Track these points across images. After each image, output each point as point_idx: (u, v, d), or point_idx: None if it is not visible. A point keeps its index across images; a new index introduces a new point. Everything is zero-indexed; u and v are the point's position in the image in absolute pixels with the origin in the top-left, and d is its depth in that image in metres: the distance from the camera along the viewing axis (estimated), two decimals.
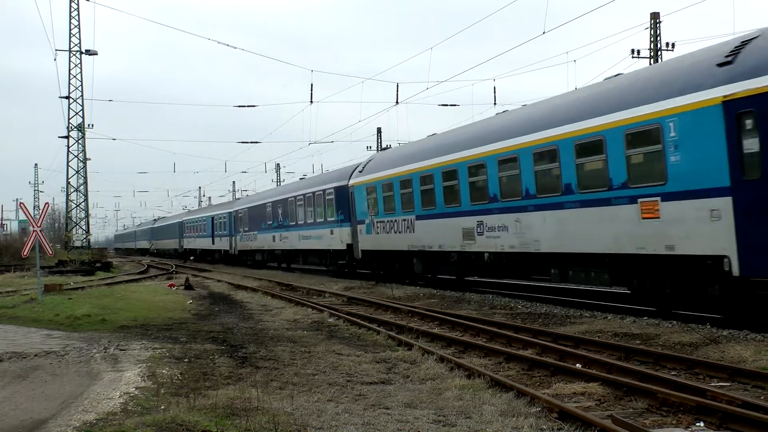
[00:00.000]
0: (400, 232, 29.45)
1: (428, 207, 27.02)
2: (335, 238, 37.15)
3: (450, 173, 25.24)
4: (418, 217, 27.87)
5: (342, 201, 36.29)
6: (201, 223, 75.31)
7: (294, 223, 44.44)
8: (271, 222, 49.45)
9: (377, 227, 31.67)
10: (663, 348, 13.46)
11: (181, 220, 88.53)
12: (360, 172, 34.13)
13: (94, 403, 10.00)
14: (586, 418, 8.50)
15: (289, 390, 10.78)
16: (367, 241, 32.99)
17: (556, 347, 13.61)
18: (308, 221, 41.78)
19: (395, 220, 29.87)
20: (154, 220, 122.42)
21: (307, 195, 42.08)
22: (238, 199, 70.63)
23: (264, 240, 51.64)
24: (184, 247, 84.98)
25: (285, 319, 20.73)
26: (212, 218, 69.60)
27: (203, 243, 73.95)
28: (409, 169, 28.56)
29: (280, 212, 47.39)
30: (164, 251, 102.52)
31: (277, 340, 16.29)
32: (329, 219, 38.14)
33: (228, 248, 63.39)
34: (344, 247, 35.97)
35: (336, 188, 37.31)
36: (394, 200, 29.89)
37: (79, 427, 8.68)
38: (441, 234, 26.17)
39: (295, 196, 44.71)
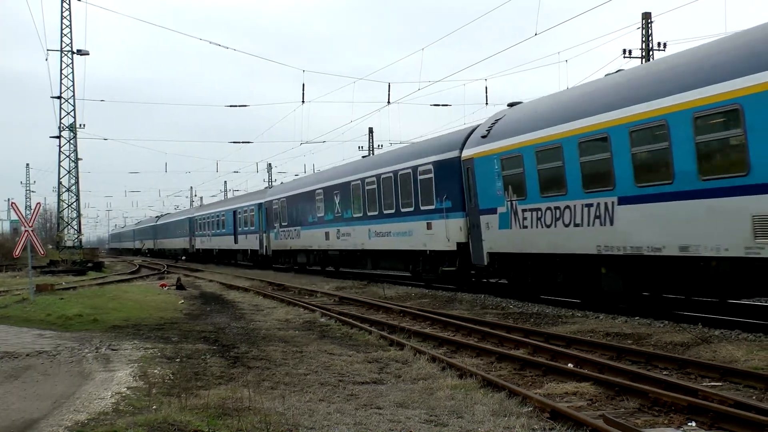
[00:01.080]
0: (577, 225, 18.76)
1: (649, 181, 16.49)
2: (436, 235, 26.65)
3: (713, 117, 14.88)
4: (625, 200, 17.17)
5: (448, 181, 25.98)
6: (218, 218, 63.56)
7: (361, 214, 33.43)
8: (323, 214, 38.23)
9: (523, 218, 21.04)
10: (655, 348, 13.48)
11: (191, 216, 77.01)
12: (483, 137, 23.43)
13: (85, 403, 9.98)
14: (578, 417, 8.50)
15: (281, 390, 10.77)
16: (502, 239, 22.24)
17: (548, 347, 13.63)
18: (387, 211, 30.99)
19: (568, 206, 19.06)
20: (157, 216, 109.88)
21: (385, 176, 31.12)
22: (271, 186, 57.79)
23: (311, 237, 40.31)
24: (197, 246, 73.16)
25: (277, 318, 20.72)
26: (234, 212, 57.71)
27: (223, 242, 62.00)
28: (602, 122, 17.76)
29: (337, 201, 36.17)
30: (171, 252, 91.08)
31: (268, 339, 16.27)
32: (424, 207, 27.61)
33: (257, 248, 51.35)
34: (453, 248, 25.64)
35: (437, 163, 26.80)
36: (564, 174, 19.16)
37: (71, 427, 8.66)
38: (679, 226, 15.75)
39: (363, 179, 33.35)
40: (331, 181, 37.82)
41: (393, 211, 30.19)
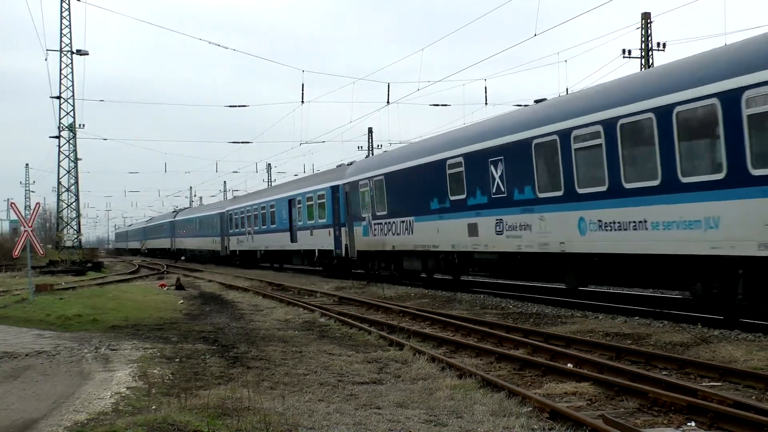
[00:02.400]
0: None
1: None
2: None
3: None
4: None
5: None
6: (265, 210, 48.98)
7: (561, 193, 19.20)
8: (464, 195, 23.90)
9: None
10: (654, 348, 13.48)
11: (222, 211, 62.22)
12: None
13: (85, 403, 9.98)
14: (578, 417, 8.50)
15: (281, 390, 10.77)
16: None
17: (547, 347, 13.63)
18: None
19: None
20: (174, 212, 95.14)
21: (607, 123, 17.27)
22: (349, 163, 37.71)
23: (437, 232, 25.85)
24: (232, 248, 58.89)
25: (276, 319, 20.72)
26: (290, 201, 43.58)
27: (272, 241, 47.52)
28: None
29: (499, 172, 21.91)
30: (195, 254, 75.02)
31: (268, 340, 16.27)
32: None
33: (330, 247, 37.23)
34: None
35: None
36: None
37: (71, 427, 8.66)
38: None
39: (569, 130, 18.70)
40: (486, 142, 22.65)
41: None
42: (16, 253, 28.64)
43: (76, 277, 45.57)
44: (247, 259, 56.38)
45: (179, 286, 33.93)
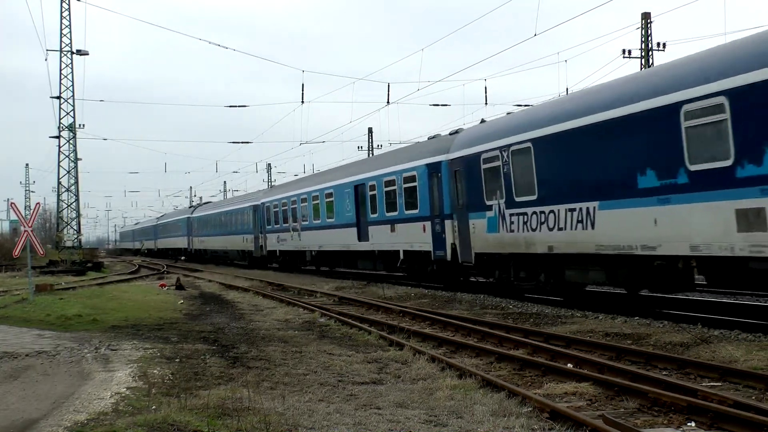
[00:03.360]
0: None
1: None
2: None
3: None
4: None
5: None
6: (318, 200, 38.89)
7: None
8: (726, 162, 14.21)
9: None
10: (654, 348, 13.48)
11: (257, 203, 51.21)
12: None
13: (85, 403, 9.98)
14: (578, 417, 8.50)
15: (281, 390, 10.77)
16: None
17: (547, 347, 13.63)
18: None
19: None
20: (192, 207, 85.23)
21: None
22: (454, 132, 27.78)
23: (633, 223, 16.87)
24: (269, 247, 48.35)
25: (276, 319, 20.71)
26: (357, 187, 33.83)
27: (330, 238, 37.26)
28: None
29: None
30: (219, 254, 65.29)
31: (268, 340, 16.27)
32: None
33: (426, 246, 27.28)
34: None
35: None
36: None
37: (71, 427, 8.66)
38: None
39: None
40: None
41: None
42: (16, 253, 28.64)
43: (76, 277, 45.57)
44: (292, 262, 45.76)
45: (179, 286, 33.94)
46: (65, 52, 59.54)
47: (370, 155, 67.60)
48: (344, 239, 35.20)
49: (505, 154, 21.42)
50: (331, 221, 36.98)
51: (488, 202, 22.52)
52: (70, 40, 59.77)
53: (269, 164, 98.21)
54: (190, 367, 12.83)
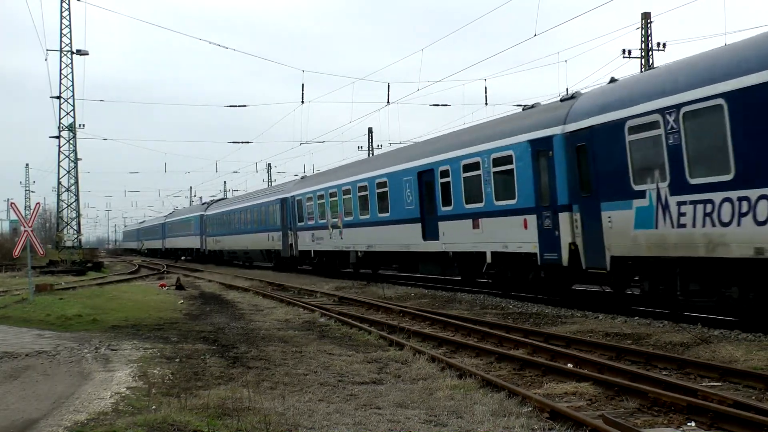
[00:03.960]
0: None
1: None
2: None
3: None
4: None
5: None
6: (367, 191, 32.29)
7: None
8: None
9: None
10: (654, 348, 13.48)
11: (285, 195, 44.10)
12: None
13: (85, 403, 9.98)
14: (578, 417, 8.50)
15: (281, 390, 10.77)
16: None
17: (547, 347, 13.63)
18: None
19: None
20: (205, 203, 76.74)
21: None
22: (571, 96, 20.52)
23: None
24: (301, 247, 41.51)
25: (276, 319, 20.71)
26: (420, 174, 27.48)
27: (384, 237, 30.78)
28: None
29: None
30: (238, 255, 59.09)
31: (268, 340, 16.27)
32: None
33: (530, 246, 20.92)
34: None
35: None
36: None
37: (71, 427, 8.66)
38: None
39: None
40: None
41: None
42: (16, 253, 28.63)
43: (76, 277, 45.58)
44: (330, 264, 39.26)
45: (179, 286, 33.94)
46: (65, 52, 59.55)
47: (370, 155, 66.80)
48: (403, 238, 28.78)
49: (670, 118, 15.59)
50: (384, 216, 30.48)
51: (637, 187, 16.72)
52: (70, 40, 59.80)
53: (269, 164, 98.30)
54: (190, 367, 12.83)
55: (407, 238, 28.39)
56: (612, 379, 10.54)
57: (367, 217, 32.15)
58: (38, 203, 31.10)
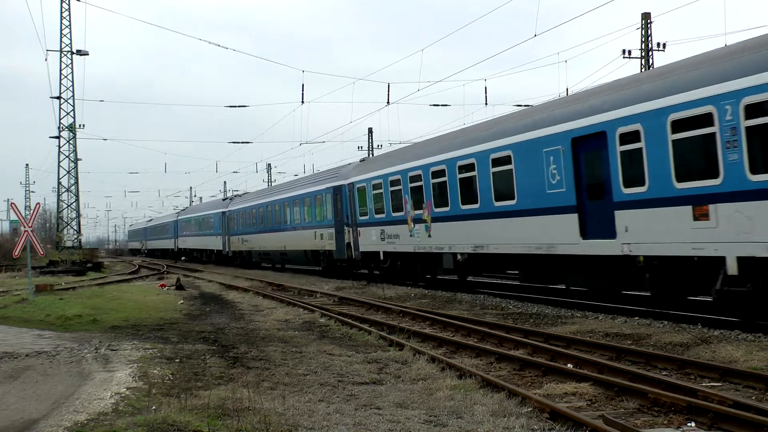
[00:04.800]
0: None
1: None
2: None
3: None
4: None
5: None
6: (477, 169, 23.18)
7: None
8: None
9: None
10: (654, 348, 13.48)
11: (342, 183, 35.72)
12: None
13: (85, 404, 9.98)
14: (578, 418, 8.51)
15: (281, 390, 10.77)
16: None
17: (547, 347, 13.63)
18: None
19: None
20: (227, 198, 68.94)
21: None
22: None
23: None
24: (364, 247, 32.95)
25: (276, 319, 20.70)
26: (576, 142, 18.69)
27: (505, 232, 22.06)
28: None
29: None
30: (270, 256, 49.43)
31: (268, 340, 16.27)
32: None
33: None
34: None
35: None
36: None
37: (70, 428, 8.66)
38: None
39: None
40: None
41: None
42: (16, 254, 28.65)
43: (76, 277, 45.55)
44: (408, 268, 29.82)
45: (179, 287, 33.90)
46: (65, 52, 59.50)
47: (370, 155, 65.25)
48: (540, 234, 20.37)
49: None
50: (505, 205, 21.93)
51: None
52: (70, 40, 59.73)
53: (269, 164, 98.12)
54: (190, 368, 12.83)
55: (549, 234, 19.94)
56: (612, 380, 10.54)
57: (475, 207, 23.50)
58: (38, 203, 31.15)
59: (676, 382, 10.29)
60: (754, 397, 9.68)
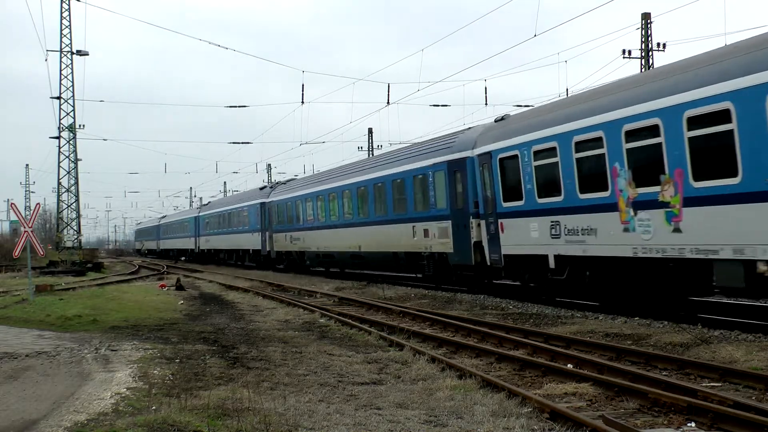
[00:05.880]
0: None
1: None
2: None
3: None
4: None
5: None
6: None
7: None
8: None
9: None
10: (654, 348, 13.48)
11: (465, 154, 24.54)
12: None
13: (85, 404, 9.98)
14: (578, 418, 8.51)
15: (281, 390, 10.77)
16: None
17: (547, 347, 13.63)
18: None
19: None
20: (268, 186, 56.00)
21: None
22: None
23: None
24: (506, 249, 22.00)
25: (276, 319, 20.70)
26: None
27: None
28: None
29: None
30: (347, 258, 36.14)
31: (268, 340, 16.27)
32: None
33: None
34: None
35: None
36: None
37: (71, 428, 8.66)
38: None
39: None
40: None
41: None
42: (16, 254, 28.64)
43: (76, 277, 45.54)
44: (613, 280, 18.69)
45: (179, 287, 33.88)
46: (65, 53, 59.50)
47: (370, 156, 65.19)
48: None
49: None
50: None
51: None
52: (70, 40, 59.73)
53: (269, 164, 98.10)
54: (190, 368, 12.83)
55: None
56: (612, 380, 10.54)
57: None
58: (38, 204, 31.14)
59: (676, 382, 10.28)
60: (754, 398, 9.68)
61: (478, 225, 23.80)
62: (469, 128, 26.79)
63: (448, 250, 25.68)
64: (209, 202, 78.22)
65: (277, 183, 54.12)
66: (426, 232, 27.28)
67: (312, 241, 40.20)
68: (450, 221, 25.49)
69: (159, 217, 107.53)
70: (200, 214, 72.14)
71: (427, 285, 28.83)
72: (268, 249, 48.63)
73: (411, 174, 28.58)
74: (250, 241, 52.38)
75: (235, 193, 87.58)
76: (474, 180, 24.05)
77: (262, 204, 49.54)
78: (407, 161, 29.42)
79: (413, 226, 28.20)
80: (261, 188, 55.48)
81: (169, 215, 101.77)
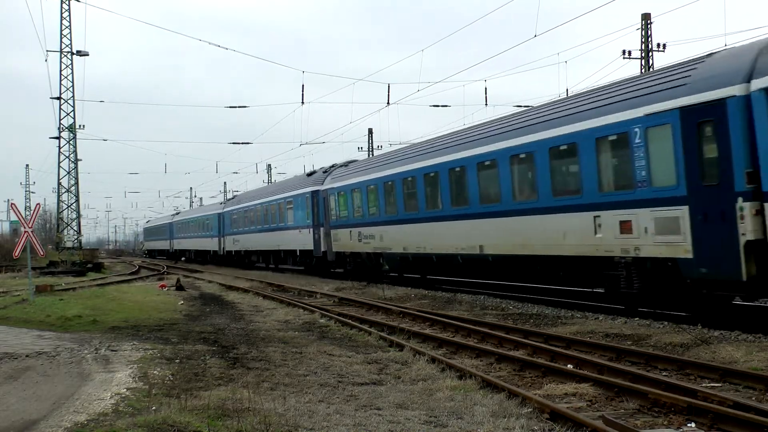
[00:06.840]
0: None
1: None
2: None
3: None
4: None
5: None
6: None
7: None
8: None
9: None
10: (654, 349, 13.48)
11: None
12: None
13: (85, 404, 9.98)
14: (578, 418, 8.51)
15: (281, 391, 10.77)
16: None
17: (547, 348, 13.63)
18: None
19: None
20: (321, 170, 41.90)
21: None
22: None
23: None
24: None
25: (276, 319, 20.70)
26: None
27: None
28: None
29: None
30: (471, 259, 23.88)
31: (268, 340, 16.27)
32: None
33: None
34: None
35: None
36: None
37: (70, 428, 8.66)
38: None
39: None
40: None
41: None
42: (16, 254, 28.62)
43: (77, 277, 45.54)
44: None
45: (179, 287, 33.88)
46: (65, 53, 59.48)
47: (371, 155, 64.82)
48: None
49: None
50: None
51: None
52: (70, 40, 59.71)
53: (269, 165, 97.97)
54: (190, 368, 12.83)
55: None
56: (612, 380, 10.54)
57: None
58: (38, 204, 31.09)
59: (676, 382, 10.29)
60: (754, 398, 9.69)
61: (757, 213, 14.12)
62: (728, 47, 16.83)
63: (680, 255, 15.78)
64: (235, 196, 67.98)
65: (332, 166, 41.13)
66: (625, 225, 17.43)
67: (393, 239, 30.01)
68: (687, 206, 15.54)
69: (172, 214, 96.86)
70: (225, 210, 63.18)
71: (427, 286, 28.67)
72: (323, 249, 39.02)
73: (593, 135, 18.21)
74: (298, 239, 42.60)
75: (270, 183, 77.55)
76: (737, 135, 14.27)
77: (314, 193, 40.05)
78: (581, 117, 18.85)
79: (595, 216, 18.34)
80: (309, 174, 44.91)
81: (183, 212, 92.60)
